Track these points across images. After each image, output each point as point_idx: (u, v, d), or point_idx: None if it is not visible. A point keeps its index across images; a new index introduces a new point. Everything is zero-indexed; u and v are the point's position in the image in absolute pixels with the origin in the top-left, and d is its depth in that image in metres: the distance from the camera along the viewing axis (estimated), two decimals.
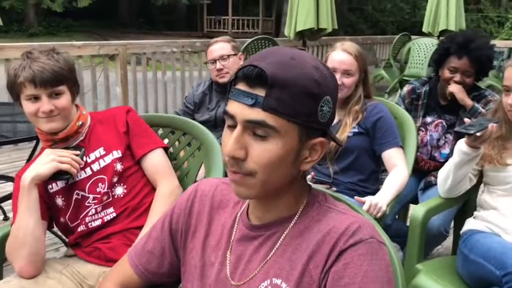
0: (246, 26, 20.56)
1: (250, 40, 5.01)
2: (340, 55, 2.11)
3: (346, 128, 2.11)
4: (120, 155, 1.63)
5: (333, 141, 0.97)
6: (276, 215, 0.94)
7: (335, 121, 2.16)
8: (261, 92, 0.83)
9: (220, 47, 2.50)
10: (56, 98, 1.54)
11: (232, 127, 0.87)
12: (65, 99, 1.56)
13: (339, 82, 2.08)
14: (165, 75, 5.59)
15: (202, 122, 2.14)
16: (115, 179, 1.61)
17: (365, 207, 1.87)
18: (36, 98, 1.52)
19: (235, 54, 2.52)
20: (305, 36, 4.47)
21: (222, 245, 0.99)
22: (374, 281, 0.84)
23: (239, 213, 1.00)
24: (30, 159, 2.54)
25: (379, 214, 1.88)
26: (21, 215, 1.46)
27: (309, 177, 2.07)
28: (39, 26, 18.14)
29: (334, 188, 2.06)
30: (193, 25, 21.60)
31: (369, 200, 1.89)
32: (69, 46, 4.91)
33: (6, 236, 1.51)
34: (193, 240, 1.04)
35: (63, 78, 1.54)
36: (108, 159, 1.62)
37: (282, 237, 0.92)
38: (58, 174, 1.52)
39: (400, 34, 7.38)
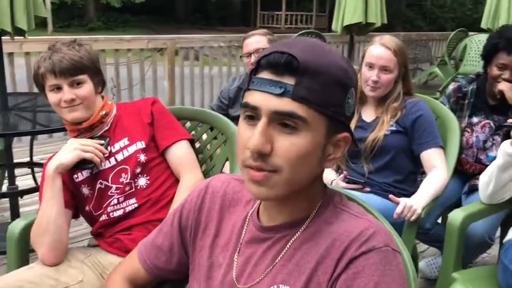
0: (300, 21, 20.41)
1: (296, 35, 4.93)
2: (378, 50, 2.01)
3: (383, 126, 2.02)
4: (144, 146, 1.62)
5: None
6: (288, 217, 0.89)
7: (372, 118, 2.09)
8: (289, 81, 0.77)
9: (256, 40, 2.45)
10: (77, 88, 1.55)
11: (252, 119, 0.80)
12: (86, 89, 1.57)
13: (375, 78, 1.99)
14: (212, 70, 5.62)
15: (236, 118, 2.10)
16: (138, 170, 1.60)
17: (399, 209, 1.78)
18: (58, 88, 1.55)
19: None
20: (353, 31, 4.33)
21: (231, 245, 0.95)
22: None
23: (250, 213, 0.95)
24: None
25: (413, 217, 1.79)
26: (45, 204, 1.48)
27: (341, 176, 1.99)
28: (98, 21, 18.80)
29: (368, 189, 1.97)
30: (247, 20, 21.70)
31: (403, 201, 1.80)
32: (118, 40, 5.03)
33: (32, 224, 1.53)
34: (202, 238, 1.00)
35: (83, 68, 1.55)
36: (131, 149, 1.61)
37: (292, 240, 0.87)
38: (82, 164, 1.53)
39: (457, 30, 7.05)
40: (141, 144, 1.62)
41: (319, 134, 0.80)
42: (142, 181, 1.61)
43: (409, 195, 1.89)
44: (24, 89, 4.23)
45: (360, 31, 4.34)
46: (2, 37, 2.54)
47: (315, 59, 0.78)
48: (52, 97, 1.56)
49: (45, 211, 1.47)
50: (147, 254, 1.08)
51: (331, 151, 0.84)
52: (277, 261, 0.87)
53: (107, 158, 1.59)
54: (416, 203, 1.80)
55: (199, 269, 0.98)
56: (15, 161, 2.84)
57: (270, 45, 2.46)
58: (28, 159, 3.31)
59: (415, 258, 2.19)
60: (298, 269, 0.84)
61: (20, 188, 2.82)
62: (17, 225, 1.60)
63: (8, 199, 2.77)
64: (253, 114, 0.80)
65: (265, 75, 0.79)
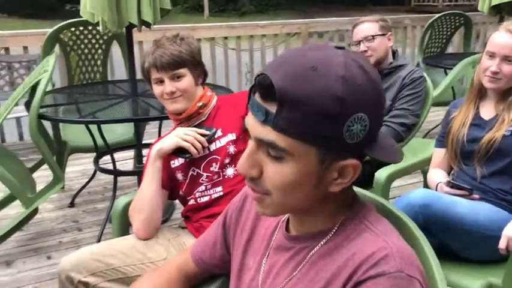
0: None
1: (437, 16, 4.53)
2: (502, 37, 1.76)
3: (503, 125, 1.77)
4: (235, 138, 1.66)
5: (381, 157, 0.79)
6: (309, 229, 0.84)
7: (490, 116, 1.83)
8: (273, 107, 0.71)
9: (366, 27, 2.31)
10: (177, 81, 1.64)
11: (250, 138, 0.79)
12: (185, 82, 1.65)
13: (495, 69, 1.74)
14: None
15: None
16: (227, 160, 1.65)
17: (502, 243, 1.54)
18: (161, 82, 1.66)
19: (382, 35, 2.30)
20: (503, 11, 3.84)
21: (261, 250, 0.93)
22: None
23: (282, 219, 0.92)
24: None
25: None
26: (144, 183, 1.63)
27: (444, 181, 1.80)
28: (250, 5, 19.46)
29: (477, 196, 1.74)
30: None
31: (507, 233, 1.55)
32: (254, 26, 5.15)
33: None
34: (240, 238, 1.00)
35: (183, 62, 1.63)
36: (223, 141, 1.66)
37: (310, 254, 0.82)
38: (181, 152, 1.62)
39: None
40: (231, 136, 1.66)
41: (308, 164, 0.74)
42: (230, 171, 1.65)
43: None
44: None
45: (511, 11, 3.82)
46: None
47: (295, 88, 0.69)
48: (156, 89, 1.67)
49: (144, 190, 1.61)
50: (196, 246, 1.12)
51: (336, 176, 0.76)
52: (295, 273, 0.83)
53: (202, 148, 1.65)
54: None
55: (234, 268, 0.99)
56: (144, 142, 3.10)
57: (380, 32, 2.30)
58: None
59: None
60: (312, 285, 0.79)
61: None
62: (120, 201, 1.79)
63: (136, 177, 3.05)
64: (249, 136, 0.78)
65: (256, 96, 0.75)
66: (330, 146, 0.73)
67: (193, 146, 1.59)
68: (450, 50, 5.76)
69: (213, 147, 1.66)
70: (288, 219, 0.91)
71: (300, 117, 0.70)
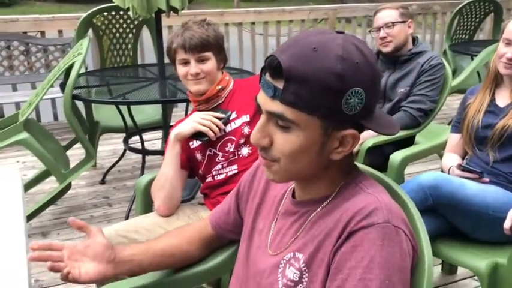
0: None
1: (466, 2, 4.48)
2: None
3: None
4: (249, 119, 1.75)
5: (375, 132, 0.89)
6: (311, 195, 0.95)
7: (506, 103, 1.87)
8: (280, 84, 0.83)
9: (386, 14, 2.36)
10: (202, 63, 1.73)
11: (261, 113, 0.89)
12: (210, 65, 1.74)
13: (511, 55, 1.78)
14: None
15: None
16: (242, 141, 1.74)
17: (507, 223, 1.59)
18: (186, 63, 1.74)
19: (403, 22, 2.34)
20: None
21: (271, 215, 1.04)
22: (381, 267, 0.80)
23: (289, 188, 1.03)
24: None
25: None
26: (165, 164, 1.74)
27: (455, 164, 1.85)
28: None
29: (487, 179, 1.79)
30: None
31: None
32: (281, 12, 5.19)
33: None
34: (252, 204, 1.11)
35: (209, 46, 1.72)
36: (238, 122, 1.76)
37: (312, 215, 0.93)
38: (198, 135, 1.73)
39: None
40: (246, 118, 1.75)
41: (313, 133, 0.84)
42: (245, 150, 1.75)
43: None
44: None
45: None
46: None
47: (301, 66, 0.80)
48: (181, 70, 1.76)
49: (164, 170, 1.73)
50: (214, 214, 1.24)
51: (337, 145, 0.87)
52: (298, 233, 0.94)
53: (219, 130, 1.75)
54: None
55: (245, 230, 1.10)
56: (171, 124, 3.22)
57: (400, 19, 2.34)
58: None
59: None
60: (312, 239, 0.90)
61: None
62: (143, 180, 1.91)
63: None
64: (260, 111, 0.89)
65: (266, 76, 0.86)
66: (330, 117, 0.83)
67: (210, 129, 1.69)
68: (481, 36, 5.68)
69: (228, 128, 1.75)
70: (293, 189, 1.01)
71: (304, 91, 0.81)
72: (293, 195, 1.00)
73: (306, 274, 0.89)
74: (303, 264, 0.90)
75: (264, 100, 0.86)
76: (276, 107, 0.84)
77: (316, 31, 0.87)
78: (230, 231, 1.21)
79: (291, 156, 0.86)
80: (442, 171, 2.17)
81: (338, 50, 0.81)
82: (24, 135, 2.52)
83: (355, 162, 0.98)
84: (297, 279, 0.90)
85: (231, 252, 1.26)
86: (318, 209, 0.93)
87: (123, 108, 2.89)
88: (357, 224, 0.83)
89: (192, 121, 1.71)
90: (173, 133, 1.73)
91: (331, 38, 0.84)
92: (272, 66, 0.83)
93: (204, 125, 1.69)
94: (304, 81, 0.80)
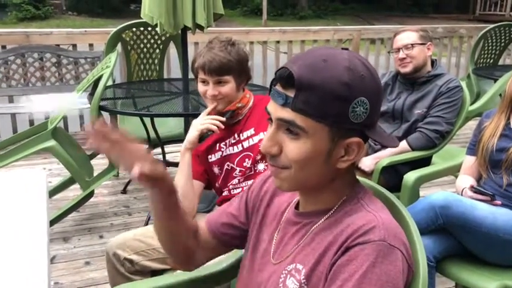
0: None
1: (490, 26, 4.49)
2: None
3: None
4: None
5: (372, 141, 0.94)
6: (315, 207, 0.99)
7: None
8: (291, 93, 0.88)
9: (406, 36, 2.40)
10: (221, 86, 1.77)
11: (271, 122, 0.95)
12: (228, 88, 1.78)
13: None
14: None
15: (381, 114, 2.12)
16: (259, 157, 1.79)
17: None
18: (205, 82, 1.79)
19: (422, 44, 2.38)
20: None
21: (274, 225, 1.08)
22: (372, 283, 0.83)
23: (294, 200, 1.07)
24: None
25: None
26: (177, 174, 1.80)
27: (468, 186, 1.87)
28: (309, 10, 19.51)
29: (499, 202, 1.80)
30: (465, 7, 19.97)
31: None
32: (305, 32, 5.27)
33: None
34: (257, 214, 1.15)
35: (229, 70, 1.75)
36: (256, 138, 1.81)
37: (314, 227, 0.97)
38: (204, 137, 1.82)
39: None
40: (263, 135, 1.79)
41: (321, 141, 0.89)
42: (261, 166, 1.80)
43: None
44: None
45: None
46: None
47: (311, 76, 0.86)
48: (201, 87, 1.82)
49: (176, 180, 1.78)
50: (213, 214, 1.24)
51: (343, 153, 0.92)
52: (300, 243, 0.98)
53: (235, 144, 1.82)
54: None
55: (250, 241, 1.14)
56: None
57: (420, 41, 2.38)
58: None
59: None
60: (313, 252, 0.94)
61: None
62: None
63: None
64: (271, 119, 0.94)
65: (277, 86, 0.92)
66: (338, 124, 0.88)
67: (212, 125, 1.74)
68: (507, 61, 5.65)
69: (246, 144, 1.81)
70: (297, 202, 1.05)
71: (314, 99, 0.86)
72: (296, 207, 1.04)
73: (305, 287, 0.93)
74: (303, 277, 0.93)
75: (275, 108, 0.91)
76: (287, 114, 0.89)
77: (324, 46, 0.94)
78: (232, 237, 1.19)
79: (299, 163, 0.91)
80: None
81: (345, 62, 0.88)
82: (51, 142, 2.64)
83: (367, 180, 1.02)
84: None
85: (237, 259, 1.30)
86: (320, 221, 0.97)
87: (147, 120, 2.98)
88: (354, 240, 0.87)
89: (193, 128, 1.77)
90: (183, 144, 1.79)
91: (339, 52, 0.91)
92: (283, 76, 0.88)
93: (203, 124, 1.75)
94: (314, 89, 0.86)
